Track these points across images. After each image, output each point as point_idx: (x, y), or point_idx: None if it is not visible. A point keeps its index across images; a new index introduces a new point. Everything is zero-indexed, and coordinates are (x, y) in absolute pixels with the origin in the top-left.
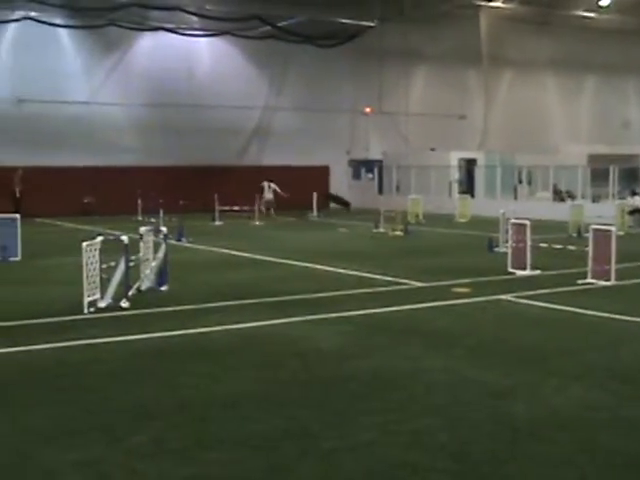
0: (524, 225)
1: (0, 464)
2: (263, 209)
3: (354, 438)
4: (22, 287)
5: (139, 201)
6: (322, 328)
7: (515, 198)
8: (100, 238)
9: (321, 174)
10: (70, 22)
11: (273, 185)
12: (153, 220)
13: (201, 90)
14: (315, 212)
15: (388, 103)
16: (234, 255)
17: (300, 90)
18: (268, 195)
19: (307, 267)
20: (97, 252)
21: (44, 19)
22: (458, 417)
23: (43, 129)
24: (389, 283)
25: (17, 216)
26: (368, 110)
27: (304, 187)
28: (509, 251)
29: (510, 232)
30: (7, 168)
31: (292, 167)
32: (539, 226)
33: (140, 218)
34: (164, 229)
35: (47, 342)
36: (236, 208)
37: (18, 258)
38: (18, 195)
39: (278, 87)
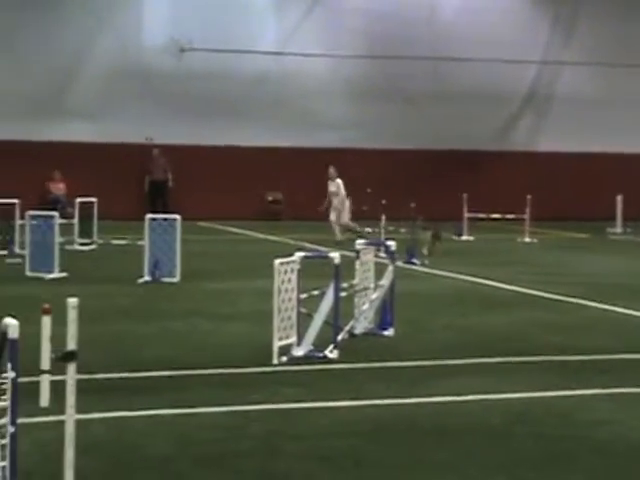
0: None
1: None
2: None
3: None
4: (180, 322)
5: (348, 200)
6: (636, 410)
7: None
8: (300, 255)
9: (633, 167)
10: None
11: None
12: (369, 230)
13: (447, 36)
14: (619, 226)
15: None
16: (491, 287)
17: (599, 35)
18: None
19: (607, 311)
20: (295, 275)
21: None
22: None
23: (210, 90)
24: None
25: (177, 218)
26: None
27: (600, 187)
28: None
29: None
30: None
31: (581, 155)
32: None
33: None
34: (392, 245)
35: (216, 404)
36: (496, 216)
37: (176, 279)
38: (147, 187)
39: (565, 30)
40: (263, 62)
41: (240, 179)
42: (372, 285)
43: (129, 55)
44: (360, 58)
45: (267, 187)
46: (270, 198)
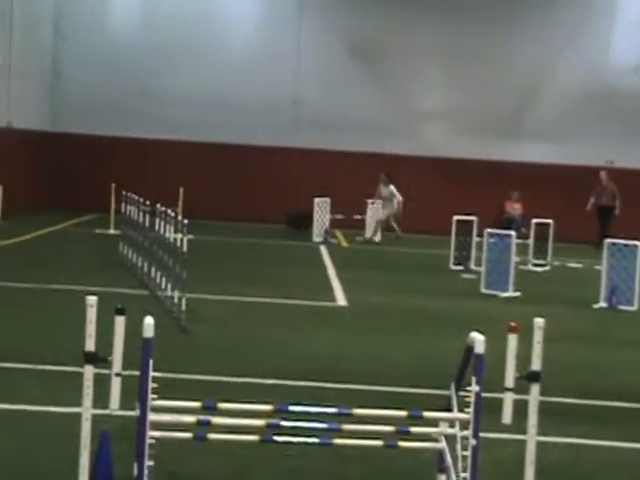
0: None
1: None
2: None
3: None
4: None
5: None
6: None
7: None
8: None
9: None
10: None
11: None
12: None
13: None
14: None
15: None
16: None
17: None
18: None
19: None
20: None
21: None
22: None
23: None
24: None
25: (637, 244)
26: None
27: None
28: None
29: None
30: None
31: None
32: None
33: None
34: None
35: None
36: None
37: (634, 307)
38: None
39: None
40: None
41: None
42: None
43: (594, 76)
44: None
45: None
46: None
